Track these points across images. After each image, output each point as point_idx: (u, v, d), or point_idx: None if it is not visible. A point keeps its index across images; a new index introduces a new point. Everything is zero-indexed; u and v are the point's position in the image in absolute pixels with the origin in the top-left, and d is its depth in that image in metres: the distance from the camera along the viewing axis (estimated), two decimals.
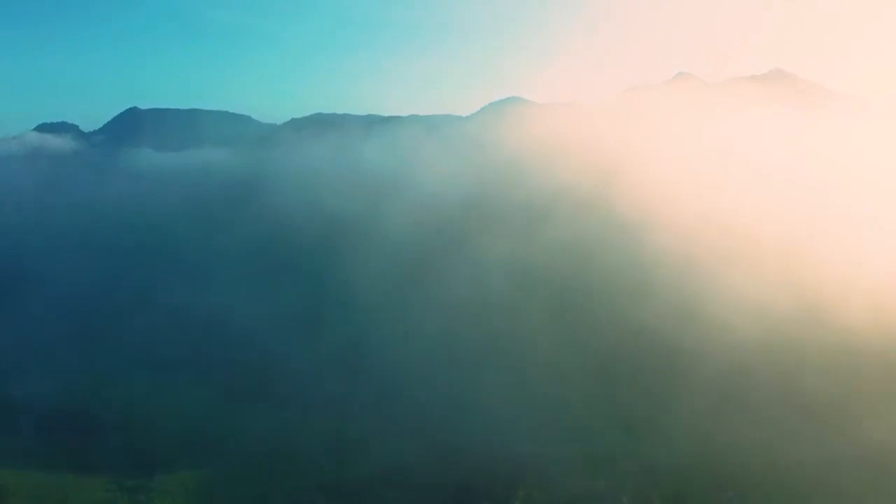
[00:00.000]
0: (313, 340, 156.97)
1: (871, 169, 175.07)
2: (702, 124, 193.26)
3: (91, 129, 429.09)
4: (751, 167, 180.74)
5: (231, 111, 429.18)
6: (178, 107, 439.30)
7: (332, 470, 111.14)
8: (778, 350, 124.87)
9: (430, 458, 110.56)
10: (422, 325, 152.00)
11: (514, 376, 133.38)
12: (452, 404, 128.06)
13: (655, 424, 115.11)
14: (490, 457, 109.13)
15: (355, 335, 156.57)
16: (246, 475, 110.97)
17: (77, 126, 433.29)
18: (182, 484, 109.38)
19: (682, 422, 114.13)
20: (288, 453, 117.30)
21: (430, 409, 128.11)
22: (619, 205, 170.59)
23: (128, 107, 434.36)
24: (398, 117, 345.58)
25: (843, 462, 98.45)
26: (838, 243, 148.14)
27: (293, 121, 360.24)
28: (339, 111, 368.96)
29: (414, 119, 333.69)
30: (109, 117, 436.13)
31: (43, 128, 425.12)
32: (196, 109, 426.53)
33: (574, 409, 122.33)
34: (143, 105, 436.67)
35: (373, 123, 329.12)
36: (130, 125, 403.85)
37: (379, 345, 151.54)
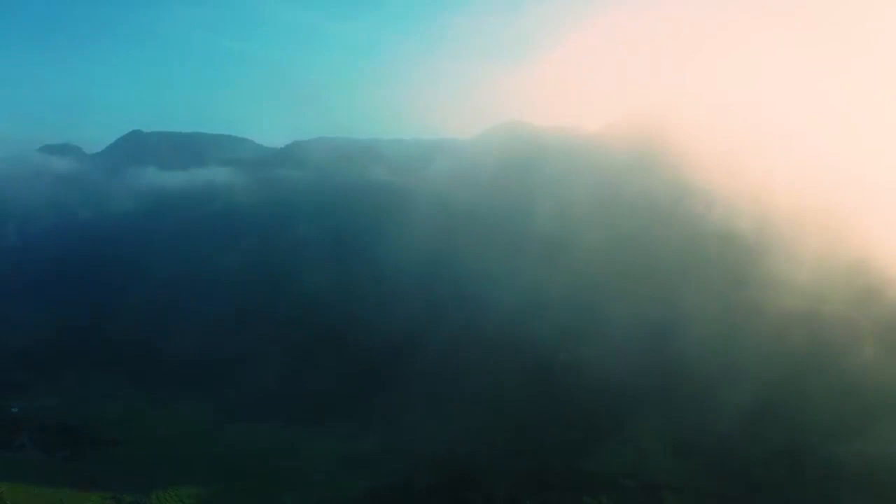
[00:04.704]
0: (315, 356, 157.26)
1: None
2: (707, 144, 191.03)
3: (94, 151, 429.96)
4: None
5: (233, 135, 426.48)
6: (180, 130, 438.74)
7: (333, 487, 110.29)
8: None
9: (431, 475, 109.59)
10: (429, 340, 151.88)
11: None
12: (453, 421, 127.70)
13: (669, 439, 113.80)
14: (491, 473, 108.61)
15: (358, 349, 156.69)
16: (245, 491, 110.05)
17: (80, 148, 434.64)
18: (180, 500, 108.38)
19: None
20: (288, 470, 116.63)
21: (433, 426, 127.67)
22: (629, 223, 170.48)
23: (130, 129, 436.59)
24: (401, 140, 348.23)
25: None
26: None
27: (296, 143, 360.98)
28: (343, 135, 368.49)
29: (417, 143, 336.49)
30: (112, 139, 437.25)
31: (46, 149, 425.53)
32: (198, 133, 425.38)
33: (581, 423, 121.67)
34: (146, 128, 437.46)
35: (376, 146, 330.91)
36: (133, 147, 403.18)
37: (382, 357, 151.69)
